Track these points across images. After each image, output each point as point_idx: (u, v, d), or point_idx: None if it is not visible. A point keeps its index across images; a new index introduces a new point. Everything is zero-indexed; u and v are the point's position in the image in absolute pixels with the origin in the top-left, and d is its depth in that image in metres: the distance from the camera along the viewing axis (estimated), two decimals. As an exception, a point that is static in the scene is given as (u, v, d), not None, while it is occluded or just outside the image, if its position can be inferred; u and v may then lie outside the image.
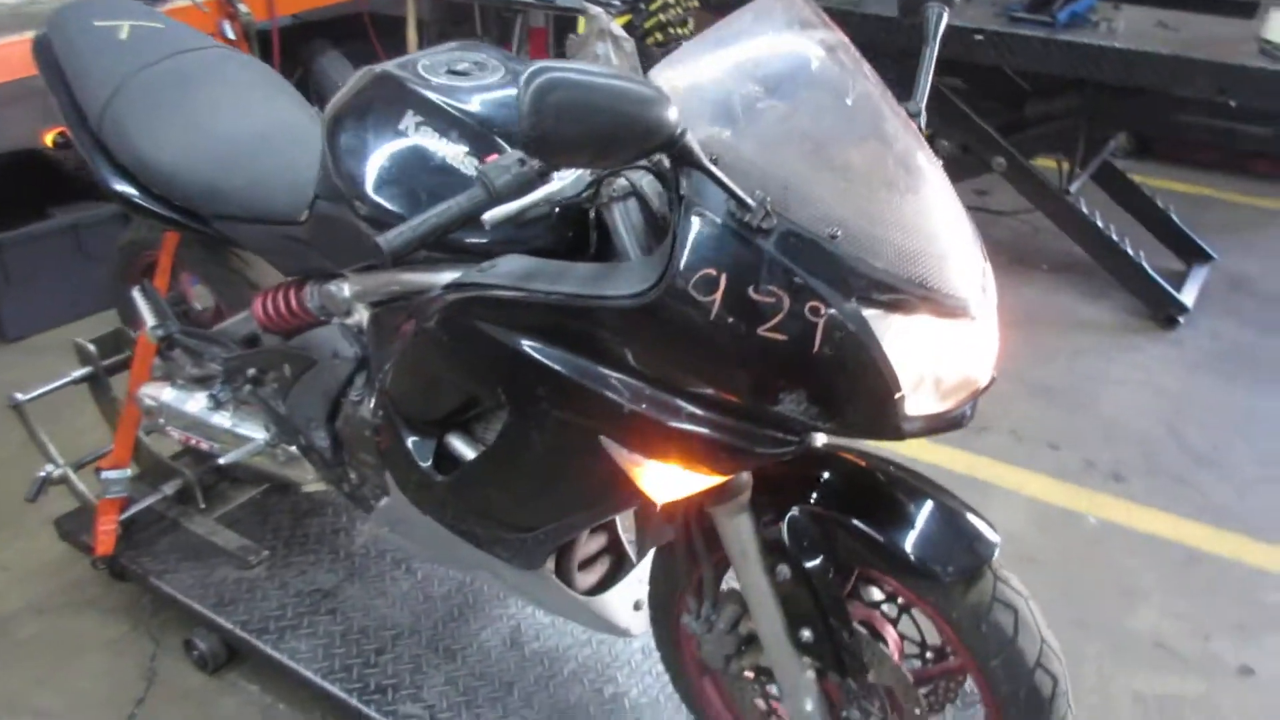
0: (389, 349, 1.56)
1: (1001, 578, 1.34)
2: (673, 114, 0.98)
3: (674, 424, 1.20)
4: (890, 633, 1.48)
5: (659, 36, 3.82)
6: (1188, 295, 3.75)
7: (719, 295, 1.10)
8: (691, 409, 1.19)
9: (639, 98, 0.97)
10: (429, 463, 1.55)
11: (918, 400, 1.15)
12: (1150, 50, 3.38)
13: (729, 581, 1.53)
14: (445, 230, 1.16)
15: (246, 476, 2.43)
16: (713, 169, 1.03)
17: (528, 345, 1.26)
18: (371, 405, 1.66)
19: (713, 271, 1.10)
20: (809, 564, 1.35)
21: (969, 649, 1.34)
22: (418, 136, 1.42)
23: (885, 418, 1.15)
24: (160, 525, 2.33)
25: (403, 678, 1.94)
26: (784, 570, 1.37)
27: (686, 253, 1.10)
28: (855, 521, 1.33)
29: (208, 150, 1.83)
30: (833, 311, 1.09)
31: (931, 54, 1.43)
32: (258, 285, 2.04)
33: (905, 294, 1.12)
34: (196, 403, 2.06)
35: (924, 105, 1.39)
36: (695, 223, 1.10)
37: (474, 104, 1.44)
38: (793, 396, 1.13)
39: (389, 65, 1.53)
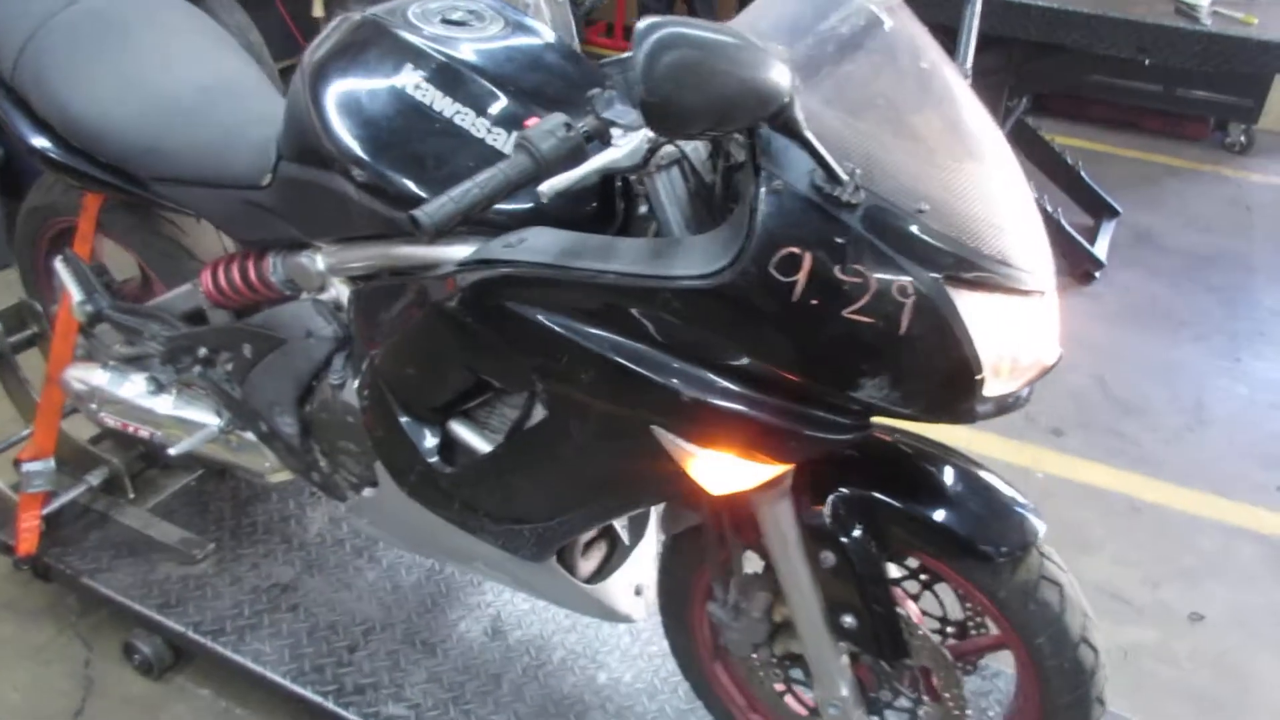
0: (381, 328, 1.42)
1: (1046, 554, 1.32)
2: (786, 78, 0.89)
3: (737, 411, 1.12)
4: (913, 609, 1.45)
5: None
6: (1100, 250, 3.86)
7: (803, 275, 1.02)
8: (757, 396, 1.12)
9: (755, 60, 0.88)
10: (433, 453, 1.43)
11: (994, 382, 1.10)
12: (1074, 9, 3.42)
13: (750, 564, 1.47)
14: (490, 203, 1.05)
15: (182, 462, 2.24)
16: (812, 139, 0.95)
17: (571, 328, 1.16)
18: (355, 389, 1.52)
19: (796, 250, 1.01)
20: (853, 549, 1.29)
21: (1015, 626, 1.31)
22: (419, 94, 1.28)
23: (963, 401, 1.09)
24: (86, 519, 2.12)
25: (381, 676, 1.83)
26: (828, 557, 1.31)
27: (767, 229, 1.01)
28: (901, 504, 1.28)
29: (146, 104, 1.63)
30: (922, 291, 1.02)
31: (974, 14, 1.37)
32: (195, 255, 1.85)
33: (989, 271, 1.06)
34: (134, 386, 1.86)
35: (970, 70, 1.33)
36: (777, 196, 1.01)
37: (479, 58, 1.31)
38: (874, 381, 1.06)
39: (376, 12, 1.38)
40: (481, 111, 1.27)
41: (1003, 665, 1.82)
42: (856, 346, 1.04)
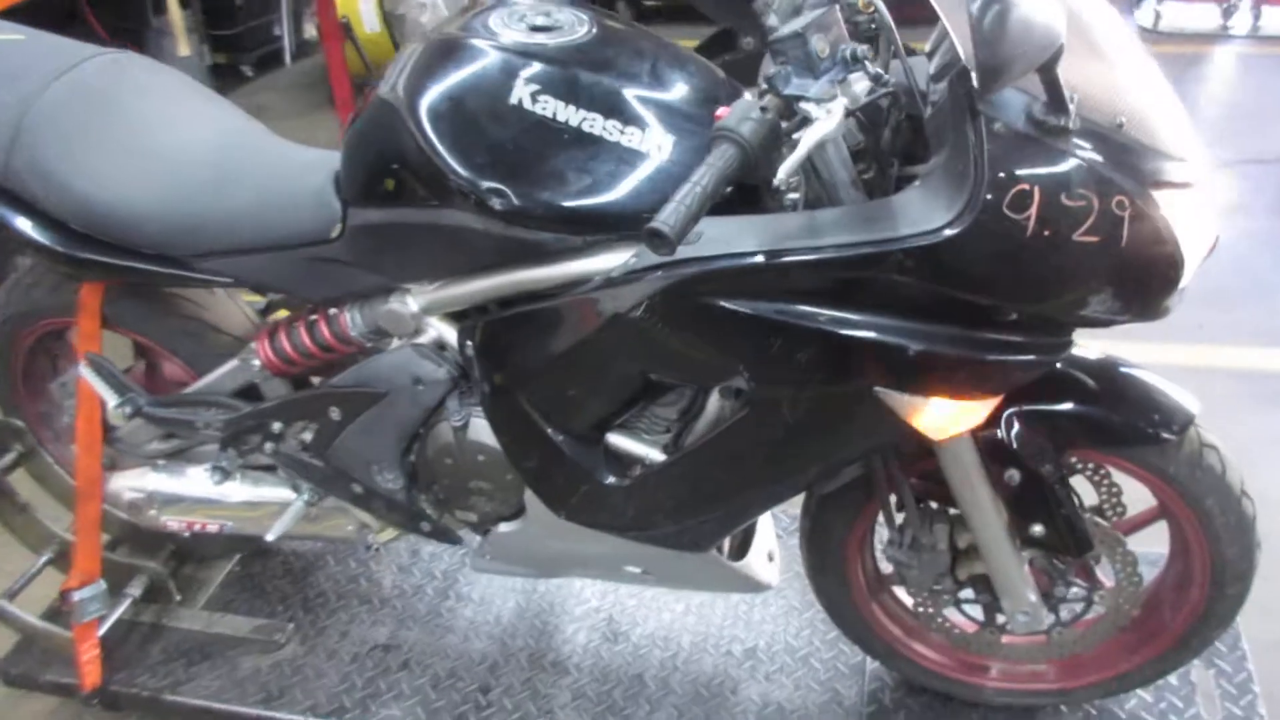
0: (519, 356, 1.37)
1: (1198, 425, 1.42)
2: (1062, 18, 0.92)
3: (964, 355, 1.15)
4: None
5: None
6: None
7: (1034, 209, 1.05)
8: (978, 335, 1.15)
9: (1048, 6, 0.90)
10: (603, 470, 1.40)
11: (1185, 273, 1.17)
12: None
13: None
14: (713, 198, 1.03)
15: (218, 550, 2.09)
16: (1058, 74, 0.98)
17: (786, 312, 1.16)
18: (490, 424, 1.46)
19: (1026, 186, 1.05)
20: (1036, 461, 1.35)
21: (1185, 494, 1.41)
22: (540, 107, 1.23)
23: (1166, 297, 1.16)
24: (139, 634, 1.95)
25: (526, 707, 1.78)
26: (1013, 475, 1.37)
27: (997, 171, 1.04)
28: (1073, 410, 1.35)
29: (172, 178, 1.50)
30: (1137, 201, 1.07)
31: None
32: (225, 330, 1.72)
33: (1179, 171, 1.12)
34: (197, 480, 1.72)
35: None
36: (1000, 137, 1.04)
37: (585, 61, 1.27)
38: (1098, 296, 1.11)
39: (450, 30, 1.32)
40: (609, 113, 1.24)
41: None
42: (1085, 267, 1.09)
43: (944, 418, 1.21)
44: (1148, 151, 1.09)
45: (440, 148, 1.24)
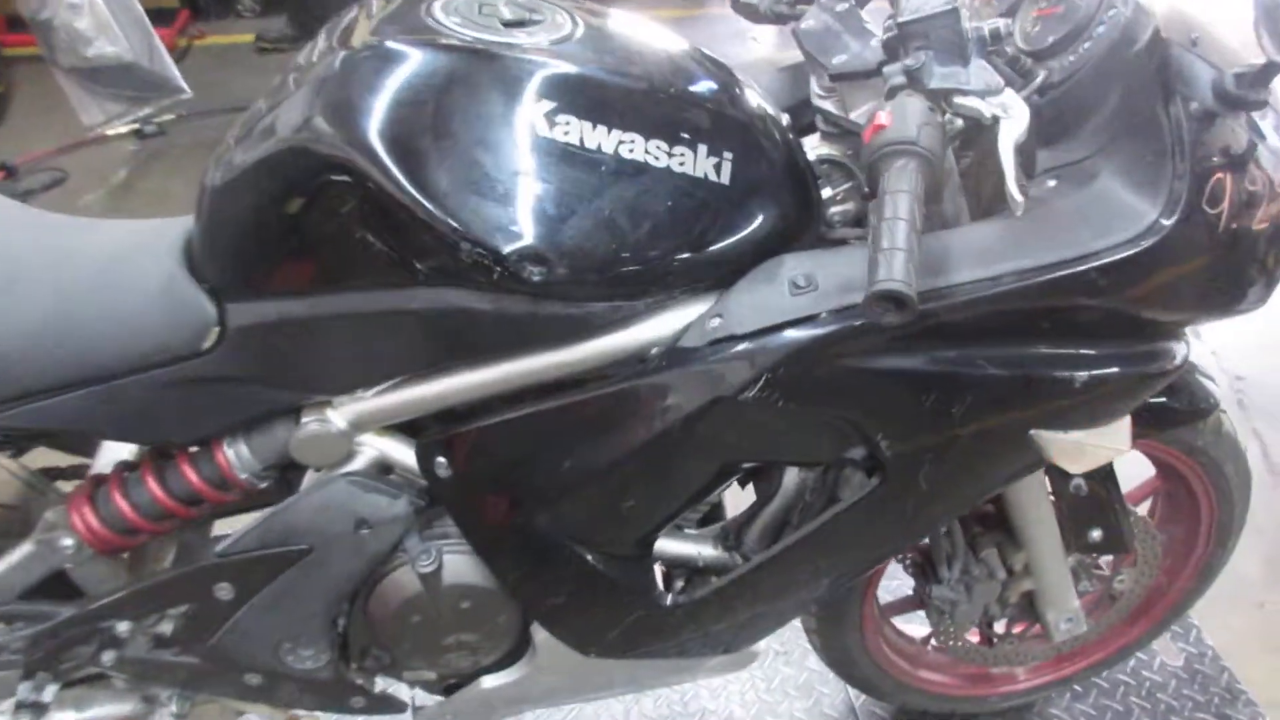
0: (534, 470, 1.01)
1: None
2: None
3: (1126, 376, 0.98)
4: None
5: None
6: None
7: (1227, 200, 0.90)
8: (1135, 350, 0.98)
9: None
10: (658, 590, 1.08)
11: None
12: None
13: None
14: (915, 227, 0.77)
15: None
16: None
17: (944, 359, 0.92)
18: (463, 564, 1.09)
19: (1220, 174, 0.89)
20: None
21: (1209, 466, 1.36)
22: (563, 133, 0.88)
23: None
24: None
25: None
26: (1080, 484, 1.24)
27: (1199, 159, 0.87)
28: None
29: None
30: None
31: None
32: (6, 503, 1.16)
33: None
34: (-7, 730, 1.15)
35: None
36: (1200, 119, 0.87)
37: (598, 65, 0.93)
38: (1254, 289, 0.99)
39: (392, 28, 0.90)
40: (649, 131, 0.91)
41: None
42: (1257, 258, 0.96)
43: (1093, 447, 1.03)
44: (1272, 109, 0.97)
45: (432, 204, 0.85)
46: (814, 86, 1.06)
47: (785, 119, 1.03)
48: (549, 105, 0.88)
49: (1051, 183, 0.94)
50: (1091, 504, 1.27)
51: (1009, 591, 1.37)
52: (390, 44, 0.88)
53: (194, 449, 1.07)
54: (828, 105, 1.04)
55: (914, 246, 0.74)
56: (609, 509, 1.02)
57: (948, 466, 1.00)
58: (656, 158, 0.90)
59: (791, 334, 0.88)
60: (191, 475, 1.06)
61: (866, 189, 1.01)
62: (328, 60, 0.89)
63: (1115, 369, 0.96)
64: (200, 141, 3.54)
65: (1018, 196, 0.80)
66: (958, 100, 0.85)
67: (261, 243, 0.93)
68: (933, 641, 1.54)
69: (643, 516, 1.03)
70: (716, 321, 0.92)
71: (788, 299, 0.90)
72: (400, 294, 0.92)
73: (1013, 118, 0.83)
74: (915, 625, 1.56)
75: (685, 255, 0.92)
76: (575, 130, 0.88)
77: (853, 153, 1.05)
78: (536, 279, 0.86)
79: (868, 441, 0.96)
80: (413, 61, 0.87)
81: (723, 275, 0.94)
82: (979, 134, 0.97)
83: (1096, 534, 1.30)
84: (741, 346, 0.89)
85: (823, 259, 0.93)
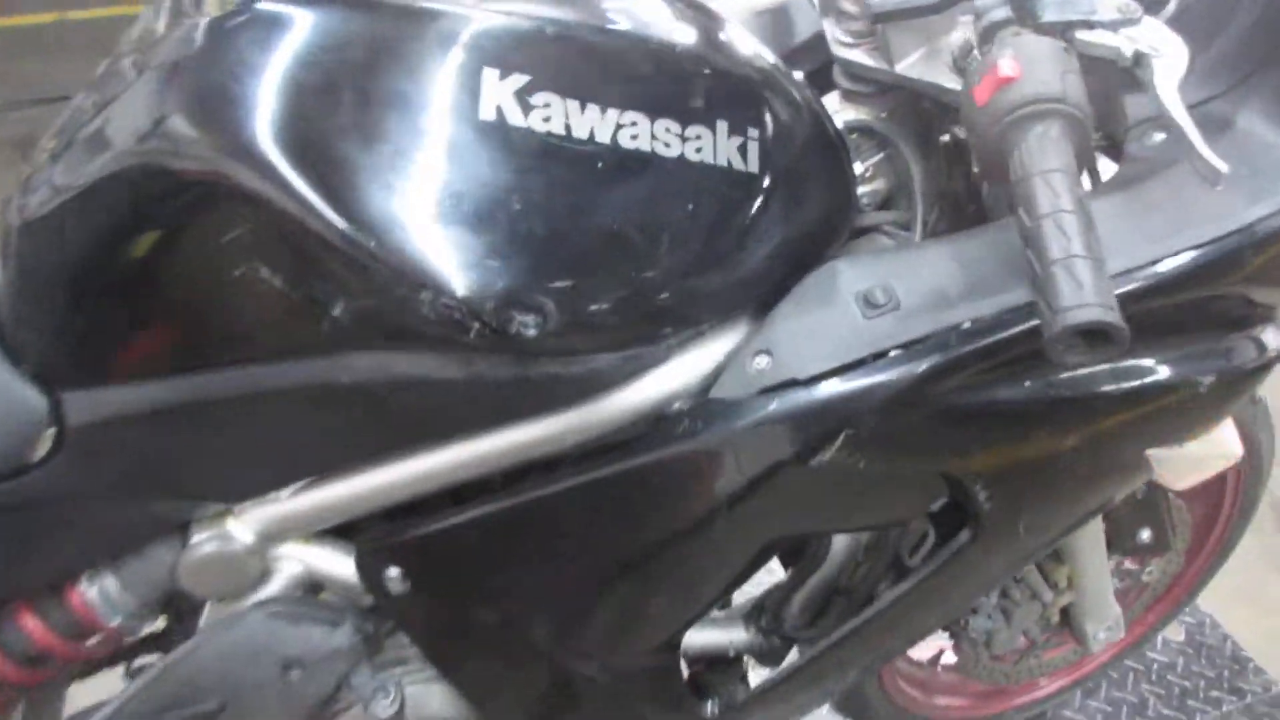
0: (525, 571, 0.76)
1: None
2: None
3: (1249, 367, 0.79)
4: None
5: None
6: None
7: None
8: (1251, 334, 0.80)
9: None
10: (693, 700, 0.85)
11: None
12: None
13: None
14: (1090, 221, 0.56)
15: None
16: None
17: (1060, 383, 0.70)
18: (431, 695, 0.83)
19: None
20: None
21: (1247, 434, 1.22)
22: (543, 120, 0.62)
23: None
24: None
25: None
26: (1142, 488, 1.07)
27: None
28: None
29: None
30: None
31: None
32: None
33: None
34: None
35: None
36: None
37: (584, 22, 0.66)
38: None
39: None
40: (656, 110, 0.65)
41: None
42: None
43: (1207, 459, 0.85)
44: None
45: (363, 235, 0.58)
46: (832, 32, 0.82)
47: (801, 77, 0.80)
48: (520, 80, 0.62)
49: (1159, 136, 0.74)
50: (1145, 505, 1.11)
51: (1050, 610, 1.20)
52: (276, 2, 0.59)
53: (40, 594, 0.77)
54: (856, 55, 0.80)
55: (1097, 250, 0.52)
56: (624, 616, 0.78)
57: (1051, 508, 0.80)
58: (667, 144, 0.66)
59: (882, 374, 0.65)
60: (35, 627, 0.77)
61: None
62: (183, 32, 0.61)
63: (1237, 364, 0.78)
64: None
65: (1219, 163, 0.59)
66: (1082, 36, 0.63)
67: (102, 303, 0.65)
68: (942, 661, 1.37)
69: (668, 619, 0.79)
70: (764, 362, 0.68)
71: (861, 322, 0.67)
72: (321, 364, 0.65)
73: (1166, 55, 0.61)
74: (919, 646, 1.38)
75: (714, 273, 0.67)
76: (558, 113, 0.62)
77: (887, 115, 0.82)
78: (530, 334, 0.61)
79: (961, 492, 0.75)
80: (313, 25, 0.59)
81: (760, 296, 0.70)
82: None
83: (1146, 535, 1.15)
84: (806, 395, 0.66)
85: (891, 263, 0.70)
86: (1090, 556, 1.12)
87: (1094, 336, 0.51)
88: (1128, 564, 1.29)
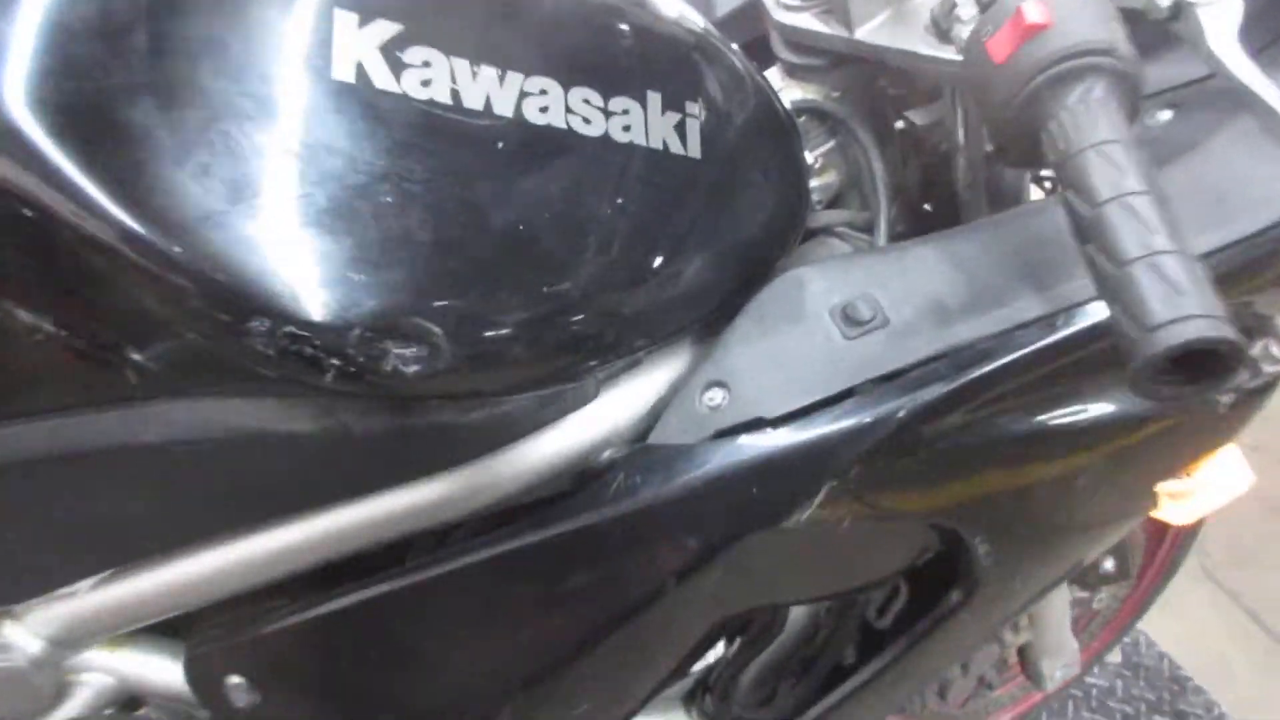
0: (405, 675, 0.59)
1: None
2: None
3: (1264, 382, 0.69)
4: None
5: None
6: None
7: None
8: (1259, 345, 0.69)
9: None
10: None
11: None
12: None
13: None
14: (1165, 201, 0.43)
15: None
16: None
17: (1075, 409, 0.58)
18: None
19: None
20: None
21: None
22: (410, 79, 0.46)
23: None
24: None
25: None
26: None
27: None
28: None
29: None
30: None
31: None
32: None
33: None
34: None
35: None
36: None
37: None
38: None
39: None
40: (570, 76, 0.50)
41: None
42: None
43: (1215, 490, 0.74)
44: None
45: (175, 243, 0.41)
46: (770, -7, 0.68)
47: (736, 48, 0.66)
48: (388, 29, 0.45)
49: (1166, 114, 0.62)
50: (1108, 531, 1.00)
51: (1007, 651, 1.09)
52: None
53: None
54: (803, 21, 0.66)
55: (1184, 241, 0.39)
56: (552, 716, 0.61)
57: (1052, 557, 0.67)
58: (587, 119, 0.50)
59: (875, 409, 0.51)
60: None
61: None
62: None
63: (1253, 380, 0.67)
64: None
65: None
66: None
67: None
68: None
69: (601, 714, 0.63)
70: (718, 397, 0.53)
71: (841, 344, 0.53)
72: (122, 417, 0.47)
73: (1225, 6, 0.49)
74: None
75: (649, 286, 0.52)
76: (442, 76, 0.46)
77: (839, 94, 0.69)
78: (411, 371, 0.44)
79: (957, 546, 0.61)
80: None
81: (707, 314, 0.56)
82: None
83: (1110, 564, 1.05)
84: (776, 438, 0.52)
85: (870, 270, 0.56)
86: (1053, 595, 1.02)
87: (1194, 359, 0.38)
88: (1077, 592, 1.19)
